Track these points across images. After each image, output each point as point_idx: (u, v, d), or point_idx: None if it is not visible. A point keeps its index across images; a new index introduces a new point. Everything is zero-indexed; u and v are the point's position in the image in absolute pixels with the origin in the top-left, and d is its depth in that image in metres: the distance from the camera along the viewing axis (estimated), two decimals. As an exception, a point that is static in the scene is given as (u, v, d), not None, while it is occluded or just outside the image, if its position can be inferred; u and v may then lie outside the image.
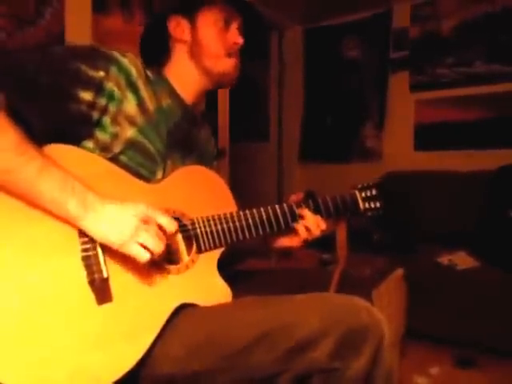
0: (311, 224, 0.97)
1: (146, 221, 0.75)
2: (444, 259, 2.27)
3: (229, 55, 0.97)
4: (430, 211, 2.65)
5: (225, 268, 0.90)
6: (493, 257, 2.21)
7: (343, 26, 3.41)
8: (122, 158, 0.84)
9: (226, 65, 0.97)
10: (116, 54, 0.84)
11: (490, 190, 2.48)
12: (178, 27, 0.95)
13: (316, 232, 0.97)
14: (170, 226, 0.77)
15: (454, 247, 2.37)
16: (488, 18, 2.81)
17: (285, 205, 0.97)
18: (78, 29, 1.89)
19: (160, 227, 0.77)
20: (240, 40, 0.98)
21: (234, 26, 0.98)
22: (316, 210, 0.99)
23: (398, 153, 3.17)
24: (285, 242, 1.03)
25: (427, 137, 3.07)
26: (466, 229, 2.46)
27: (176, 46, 0.97)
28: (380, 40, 3.24)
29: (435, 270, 2.24)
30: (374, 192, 1.06)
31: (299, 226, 0.97)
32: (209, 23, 0.95)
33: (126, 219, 0.73)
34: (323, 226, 0.98)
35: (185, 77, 0.97)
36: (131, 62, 0.86)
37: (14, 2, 1.69)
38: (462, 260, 2.25)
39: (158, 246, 0.74)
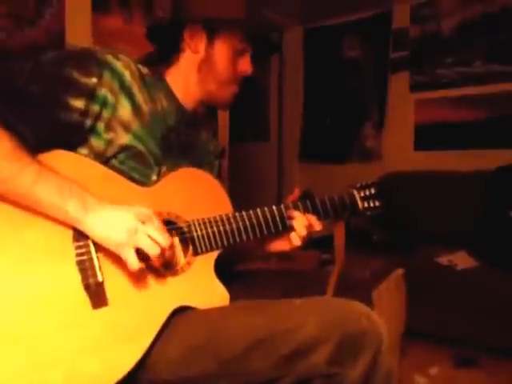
0: (298, 224, 0.94)
1: (144, 221, 0.74)
2: (444, 259, 2.27)
3: (234, 82, 0.97)
4: (430, 211, 2.65)
5: (223, 269, 0.89)
6: (493, 257, 2.21)
7: (343, 26, 3.41)
8: (114, 162, 0.83)
9: (227, 92, 0.97)
10: (109, 58, 0.82)
11: (488, 190, 2.48)
12: (195, 37, 0.92)
13: (303, 232, 0.94)
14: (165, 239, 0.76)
15: (454, 247, 2.37)
16: (488, 17, 2.81)
17: (282, 205, 0.96)
18: (78, 29, 1.89)
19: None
20: (250, 71, 0.97)
21: (248, 55, 0.97)
22: (314, 211, 0.98)
23: (397, 153, 3.17)
24: (278, 246, 1.02)
25: (427, 137, 3.07)
26: (465, 229, 2.47)
27: (187, 52, 0.94)
28: (380, 40, 3.24)
29: (435, 270, 2.24)
30: (372, 191, 1.05)
31: (289, 227, 0.96)
32: (226, 47, 0.93)
33: (126, 220, 0.73)
34: (317, 226, 0.96)
35: (187, 85, 0.96)
36: (125, 65, 0.84)
37: (13, 2, 1.69)
38: (462, 260, 2.25)
39: (155, 251, 0.74)
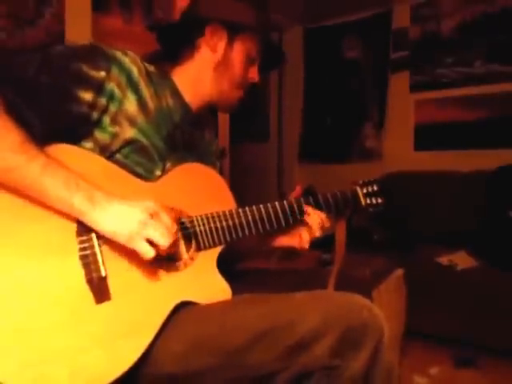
0: (313, 221, 0.96)
1: (152, 215, 0.75)
2: (444, 259, 2.27)
3: (242, 87, 0.99)
4: (430, 211, 2.65)
5: (224, 268, 0.89)
6: (493, 257, 2.21)
7: (343, 26, 3.42)
8: (119, 156, 0.83)
9: (235, 95, 0.99)
10: (117, 53, 0.84)
11: (488, 190, 2.49)
12: (216, 35, 0.93)
13: (317, 229, 0.96)
14: (172, 227, 0.77)
15: (454, 247, 2.37)
16: (488, 18, 2.81)
17: (285, 202, 0.97)
18: (78, 29, 1.89)
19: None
20: (257, 80, 1.00)
21: (257, 64, 0.99)
22: (316, 207, 0.98)
23: (397, 153, 3.17)
24: (285, 241, 1.03)
25: (427, 137, 3.07)
26: (466, 229, 2.47)
27: (203, 50, 0.95)
28: (380, 40, 3.24)
29: (435, 270, 2.24)
30: (375, 188, 1.06)
31: (302, 223, 0.97)
32: (244, 50, 0.95)
33: (134, 214, 0.73)
34: (326, 223, 0.97)
35: (197, 84, 0.96)
36: (132, 61, 0.85)
37: (13, 2, 1.69)
38: (462, 260, 2.25)
39: (165, 241, 0.74)
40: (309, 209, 0.97)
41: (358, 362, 0.72)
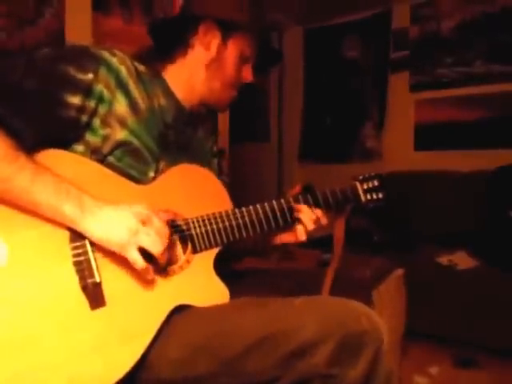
0: (305, 218, 0.95)
1: (144, 221, 0.74)
2: (444, 259, 2.27)
3: (235, 87, 0.98)
4: (430, 211, 2.65)
5: (222, 266, 0.88)
6: (493, 257, 2.21)
7: (343, 26, 3.41)
8: (111, 159, 0.82)
9: (228, 95, 0.98)
10: (105, 54, 0.82)
11: (488, 190, 2.49)
12: (209, 34, 0.92)
13: (310, 226, 0.95)
14: (163, 231, 0.76)
15: (454, 247, 2.37)
16: (488, 17, 2.81)
17: (282, 200, 0.95)
18: (78, 29, 1.89)
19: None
20: (252, 79, 0.98)
21: (251, 63, 0.98)
22: (315, 204, 0.97)
23: (398, 153, 3.17)
24: (284, 238, 1.01)
25: (427, 137, 3.07)
26: (466, 229, 2.46)
27: (196, 48, 0.94)
28: (380, 40, 3.24)
29: (435, 270, 2.24)
30: (376, 183, 1.03)
31: (296, 221, 0.96)
32: (237, 49, 0.94)
33: (126, 221, 0.72)
34: (324, 220, 0.96)
35: (190, 82, 0.95)
36: (121, 62, 0.83)
37: (13, 2, 1.69)
38: (462, 260, 2.25)
39: (158, 248, 0.73)
40: (301, 206, 0.95)
41: (356, 371, 0.70)
